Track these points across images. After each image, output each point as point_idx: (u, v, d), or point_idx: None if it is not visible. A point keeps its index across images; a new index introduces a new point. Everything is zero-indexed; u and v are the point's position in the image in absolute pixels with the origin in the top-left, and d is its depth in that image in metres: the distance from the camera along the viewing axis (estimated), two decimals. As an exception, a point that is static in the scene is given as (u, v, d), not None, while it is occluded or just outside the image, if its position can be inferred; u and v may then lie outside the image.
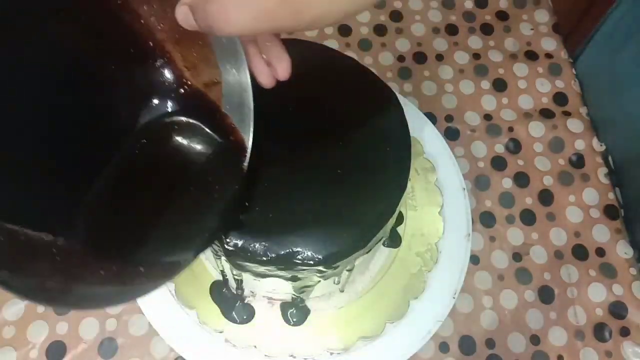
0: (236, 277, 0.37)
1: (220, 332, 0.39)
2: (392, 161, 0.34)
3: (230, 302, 0.40)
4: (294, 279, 0.34)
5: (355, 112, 0.36)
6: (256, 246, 0.31)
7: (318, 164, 0.34)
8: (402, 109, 0.36)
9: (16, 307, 0.40)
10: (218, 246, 0.32)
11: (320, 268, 0.32)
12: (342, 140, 0.35)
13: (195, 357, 0.38)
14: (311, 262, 0.31)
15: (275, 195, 0.32)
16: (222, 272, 0.38)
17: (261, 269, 0.32)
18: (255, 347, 0.39)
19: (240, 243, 0.31)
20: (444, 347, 0.41)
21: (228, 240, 0.31)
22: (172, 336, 0.38)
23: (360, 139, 0.35)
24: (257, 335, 0.39)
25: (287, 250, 0.31)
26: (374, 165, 0.34)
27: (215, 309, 0.40)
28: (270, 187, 0.32)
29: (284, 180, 0.33)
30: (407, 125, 0.35)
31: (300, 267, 0.31)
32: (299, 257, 0.31)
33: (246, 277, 0.36)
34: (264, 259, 0.31)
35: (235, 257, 0.32)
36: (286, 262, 0.31)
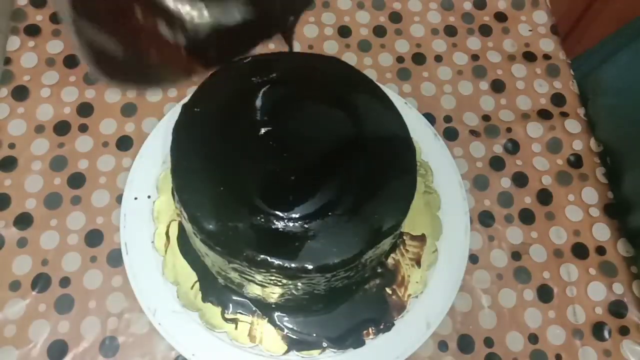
0: (236, 279, 0.37)
1: (222, 331, 0.39)
2: (397, 166, 0.34)
3: (228, 302, 0.40)
4: (296, 285, 0.34)
5: (351, 117, 0.36)
6: (261, 257, 0.31)
7: (320, 173, 0.34)
8: (399, 112, 0.36)
9: (17, 306, 0.40)
10: (220, 252, 0.32)
11: (327, 275, 0.32)
12: (342, 148, 0.35)
13: (197, 356, 0.38)
14: (316, 272, 0.31)
15: (278, 205, 0.33)
16: (220, 273, 0.38)
17: (264, 274, 0.33)
18: (256, 345, 0.39)
19: (245, 254, 0.31)
20: (442, 345, 0.41)
21: (232, 250, 0.31)
22: (174, 335, 0.39)
23: (360, 146, 0.35)
24: (258, 334, 0.39)
25: (293, 261, 0.31)
26: (380, 173, 0.34)
27: (216, 308, 0.40)
28: (271, 197, 0.33)
29: (285, 189, 0.33)
30: (407, 129, 0.36)
31: (305, 275, 0.32)
32: (301, 267, 0.31)
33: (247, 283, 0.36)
34: (272, 269, 0.31)
35: (239, 265, 0.32)
36: (292, 272, 0.31)
